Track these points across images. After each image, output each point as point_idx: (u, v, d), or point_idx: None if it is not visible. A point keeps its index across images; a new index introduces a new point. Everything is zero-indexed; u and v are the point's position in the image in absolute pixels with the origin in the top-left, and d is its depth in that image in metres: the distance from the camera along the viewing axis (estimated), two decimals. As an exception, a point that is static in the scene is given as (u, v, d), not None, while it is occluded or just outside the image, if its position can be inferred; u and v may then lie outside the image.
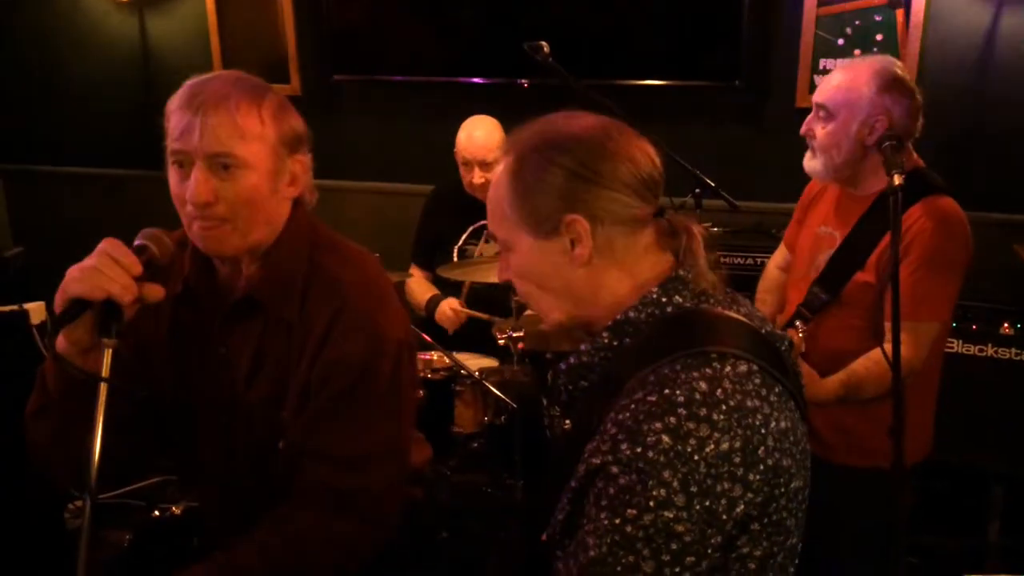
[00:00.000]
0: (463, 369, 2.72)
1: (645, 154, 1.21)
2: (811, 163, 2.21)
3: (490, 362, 2.97)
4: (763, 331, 1.20)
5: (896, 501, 1.71)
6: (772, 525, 1.10)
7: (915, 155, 2.21)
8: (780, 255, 2.60)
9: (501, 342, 2.80)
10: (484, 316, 3.12)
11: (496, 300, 3.03)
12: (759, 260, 3.04)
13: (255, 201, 1.47)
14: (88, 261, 1.33)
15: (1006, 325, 2.94)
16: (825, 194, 2.36)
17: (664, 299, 1.18)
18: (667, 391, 1.07)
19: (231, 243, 1.49)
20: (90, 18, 4.16)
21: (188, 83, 1.48)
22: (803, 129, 2.20)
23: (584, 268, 1.20)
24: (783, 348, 1.22)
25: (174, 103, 1.46)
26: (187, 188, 1.43)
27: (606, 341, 1.20)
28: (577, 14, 3.55)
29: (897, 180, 1.73)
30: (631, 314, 1.18)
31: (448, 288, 3.25)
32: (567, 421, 2.80)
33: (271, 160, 1.49)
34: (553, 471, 1.21)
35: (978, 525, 2.97)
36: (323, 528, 1.51)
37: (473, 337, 3.14)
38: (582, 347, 1.22)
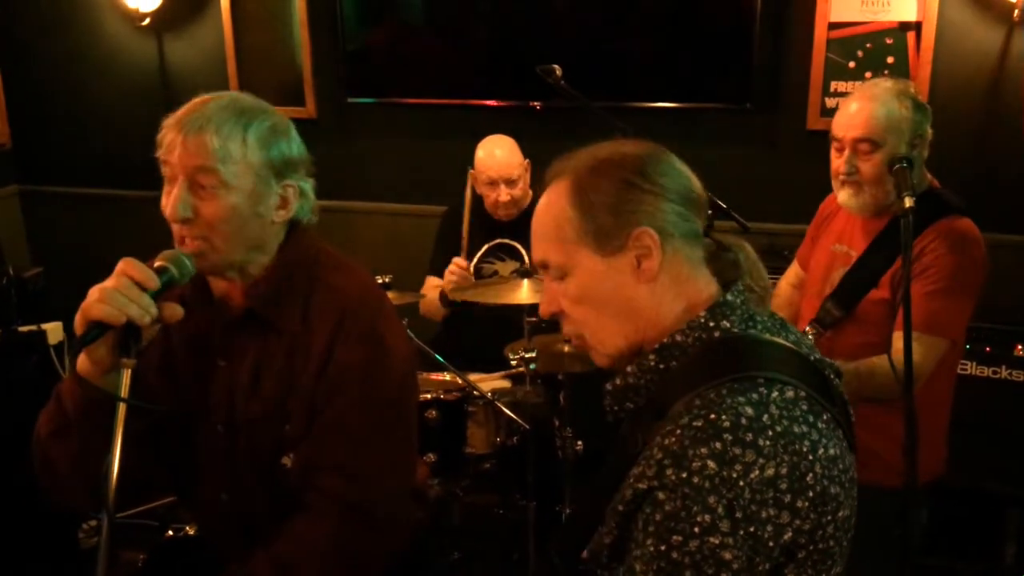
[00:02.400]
0: (475, 390, 2.73)
1: (690, 173, 1.24)
2: (856, 199, 2.18)
3: (503, 383, 2.98)
4: (812, 359, 1.20)
5: (909, 519, 1.70)
6: (818, 553, 1.09)
7: (929, 175, 2.22)
8: (792, 272, 2.60)
9: (514, 363, 2.80)
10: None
11: (510, 320, 3.04)
12: (771, 282, 3.04)
13: (232, 222, 1.50)
14: (108, 283, 1.36)
15: (1019, 347, 2.93)
16: (840, 212, 2.36)
17: (711, 323, 1.18)
18: (713, 416, 1.06)
19: (209, 260, 1.52)
20: (110, 42, 4.21)
21: (191, 101, 1.53)
22: (844, 168, 2.16)
23: (648, 285, 1.19)
24: (832, 376, 1.22)
25: (169, 119, 1.51)
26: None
27: (652, 364, 1.19)
28: (589, 37, 3.58)
29: (908, 203, 1.74)
30: (678, 338, 1.18)
31: (461, 308, 3.26)
32: (579, 443, 2.81)
33: (253, 183, 1.51)
34: (595, 491, 1.21)
35: (993, 549, 2.95)
36: (337, 540, 1.52)
37: (486, 356, 3.15)
38: (628, 369, 1.22)
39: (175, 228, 1.50)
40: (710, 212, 2.68)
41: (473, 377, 2.85)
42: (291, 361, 1.57)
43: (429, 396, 2.71)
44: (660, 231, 1.18)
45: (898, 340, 1.88)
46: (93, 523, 3.08)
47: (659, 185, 1.19)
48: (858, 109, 2.14)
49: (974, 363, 2.99)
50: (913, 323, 1.74)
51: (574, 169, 1.23)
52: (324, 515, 1.53)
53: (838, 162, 2.18)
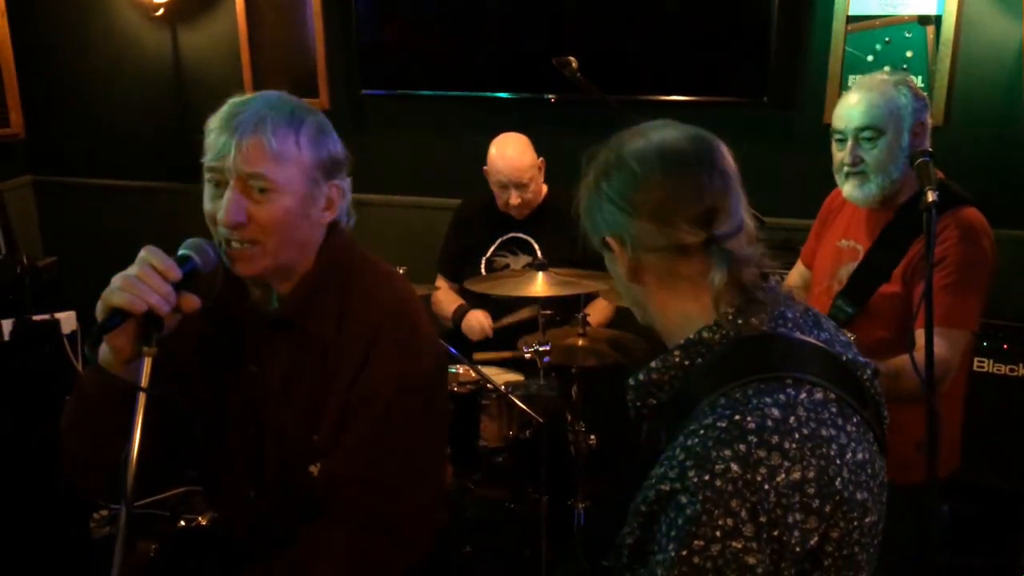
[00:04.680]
0: (489, 383, 2.72)
1: (695, 186, 1.16)
2: (862, 189, 2.16)
3: (516, 376, 2.97)
4: (844, 358, 1.17)
5: (929, 517, 1.68)
6: (843, 559, 1.07)
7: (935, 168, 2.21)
8: (797, 274, 2.58)
9: (528, 356, 2.79)
10: (514, 319, 3.13)
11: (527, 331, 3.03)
12: (786, 276, 3.02)
13: (286, 224, 1.47)
14: (130, 270, 1.34)
15: (1037, 345, 2.90)
16: (844, 207, 2.35)
17: (740, 321, 1.14)
18: (738, 417, 1.04)
19: (259, 264, 1.49)
20: (124, 33, 4.22)
21: (230, 102, 1.49)
22: (849, 159, 2.15)
23: (636, 284, 1.22)
24: (865, 377, 1.19)
25: (214, 122, 1.46)
26: (219, 208, 1.45)
27: (677, 360, 1.17)
28: (605, 30, 3.55)
29: (931, 197, 1.72)
30: (705, 334, 1.15)
31: (475, 300, 3.25)
32: (592, 437, 2.79)
33: (305, 185, 1.48)
34: (619, 489, 1.19)
35: (1010, 547, 2.92)
36: (357, 552, 1.51)
37: (499, 345, 3.14)
38: (652, 364, 1.20)
39: (221, 231, 1.46)
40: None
41: (486, 370, 2.83)
42: (323, 370, 1.55)
43: (442, 389, 2.70)
44: (623, 243, 1.20)
45: (921, 337, 1.86)
46: (104, 513, 3.09)
47: (629, 203, 1.17)
48: (858, 100, 2.15)
49: (991, 361, 2.96)
50: (935, 319, 1.72)
51: (589, 166, 1.26)
52: (346, 526, 1.52)
53: (841, 154, 2.19)
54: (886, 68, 3.24)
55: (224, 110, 1.47)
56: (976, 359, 2.92)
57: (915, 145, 2.12)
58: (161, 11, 4.05)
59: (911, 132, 2.12)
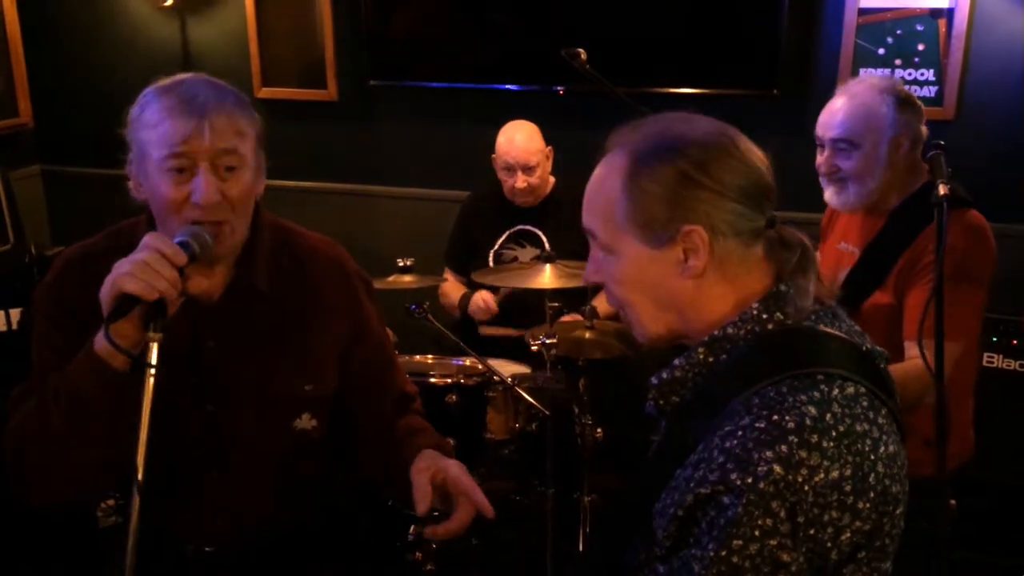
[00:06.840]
0: (496, 375, 2.71)
1: (760, 160, 1.15)
2: (840, 196, 2.17)
3: (523, 368, 2.96)
4: (864, 348, 1.16)
5: (938, 512, 1.68)
6: (874, 551, 1.07)
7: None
8: None
9: (534, 349, 2.79)
10: (511, 332, 3.16)
11: (531, 306, 3.02)
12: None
13: (249, 198, 1.53)
14: (137, 256, 1.34)
15: (1048, 341, 2.89)
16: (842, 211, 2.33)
17: (765, 315, 1.12)
18: (776, 417, 1.03)
19: (229, 242, 1.52)
20: (133, 22, 4.21)
21: (165, 88, 1.48)
22: (824, 168, 2.17)
23: (693, 280, 1.14)
24: (883, 366, 1.18)
25: (161, 111, 1.44)
26: (189, 191, 1.44)
27: (701, 357, 1.15)
28: (613, 22, 3.54)
29: (943, 190, 1.71)
30: (729, 330, 1.13)
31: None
32: (599, 430, 2.78)
33: (256, 157, 1.54)
34: (639, 488, 1.17)
35: (1019, 543, 2.91)
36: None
37: (506, 343, 3.14)
38: (676, 362, 1.17)
39: (188, 215, 1.46)
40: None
41: (493, 362, 2.82)
42: (303, 324, 1.63)
43: (449, 380, 2.70)
44: (712, 230, 1.11)
45: (911, 349, 1.86)
46: (111, 502, 3.09)
47: (720, 183, 1.11)
48: (837, 108, 2.15)
49: (1000, 356, 2.95)
50: (925, 329, 1.69)
51: (635, 146, 1.15)
52: (416, 413, 1.80)
53: (819, 159, 2.19)
54: (898, 60, 3.22)
55: (170, 96, 1.45)
56: (985, 355, 2.91)
57: (899, 156, 2.10)
58: (170, 1, 4.04)
59: (891, 144, 2.09)
